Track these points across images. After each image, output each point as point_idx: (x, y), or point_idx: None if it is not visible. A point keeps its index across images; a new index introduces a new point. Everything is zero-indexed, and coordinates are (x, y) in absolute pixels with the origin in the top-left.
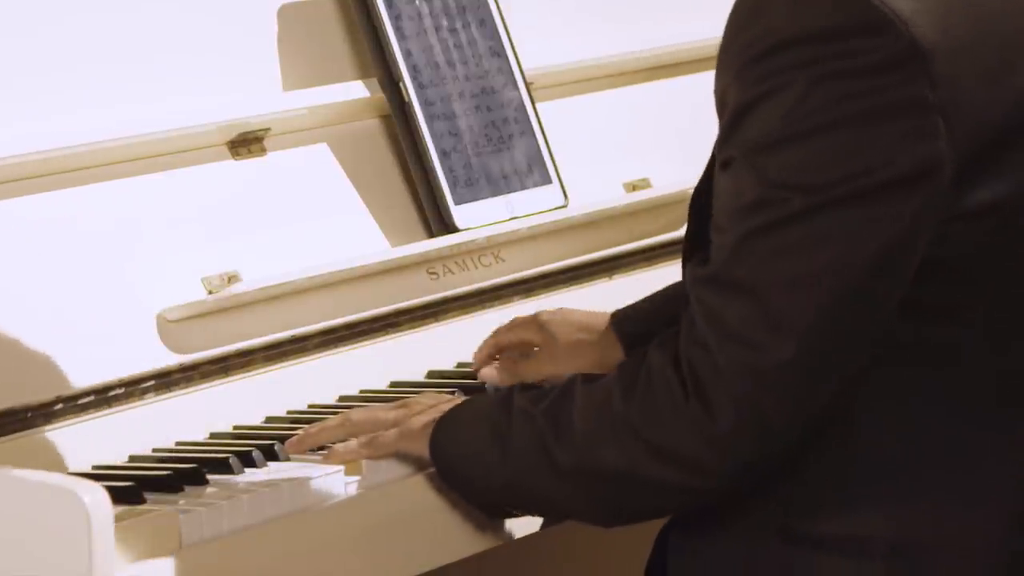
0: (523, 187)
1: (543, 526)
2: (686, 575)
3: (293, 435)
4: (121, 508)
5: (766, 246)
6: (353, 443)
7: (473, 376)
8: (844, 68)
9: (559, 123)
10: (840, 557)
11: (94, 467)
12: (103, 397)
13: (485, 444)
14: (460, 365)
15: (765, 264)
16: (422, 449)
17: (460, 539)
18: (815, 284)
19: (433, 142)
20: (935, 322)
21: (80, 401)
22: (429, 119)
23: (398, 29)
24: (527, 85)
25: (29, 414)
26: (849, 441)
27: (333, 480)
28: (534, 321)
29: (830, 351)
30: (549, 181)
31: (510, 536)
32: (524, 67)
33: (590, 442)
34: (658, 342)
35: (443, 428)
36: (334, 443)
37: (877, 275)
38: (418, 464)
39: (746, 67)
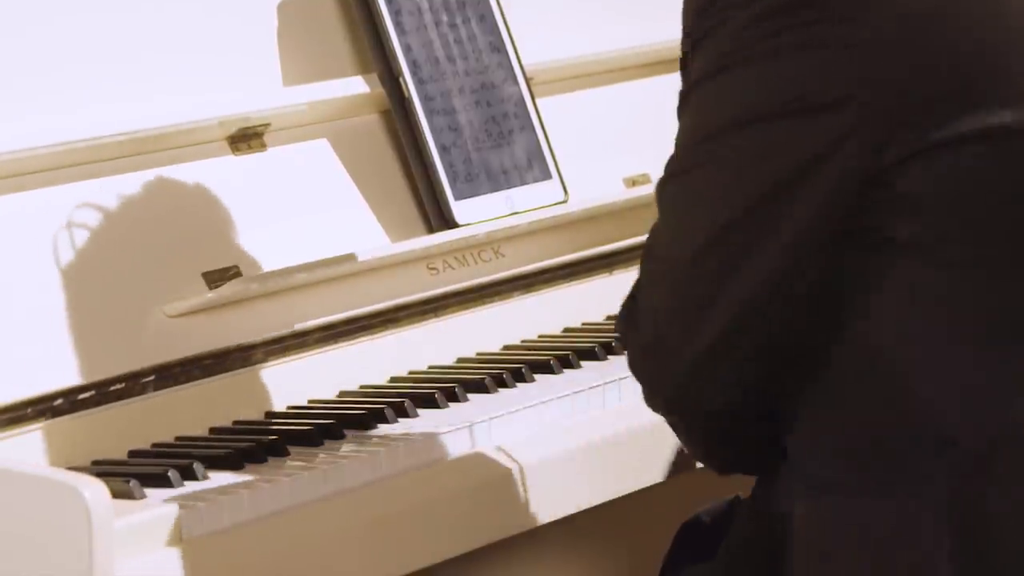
0: (523, 182)
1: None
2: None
3: (292, 431)
4: (121, 502)
5: (670, 170)
6: None
7: (474, 373)
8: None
9: (559, 118)
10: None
11: (94, 462)
12: (103, 392)
13: None
14: (460, 360)
15: (668, 185)
16: None
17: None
18: (705, 208)
19: (433, 137)
20: (915, 258)
21: (80, 396)
22: (429, 114)
23: (398, 24)
24: (527, 80)
25: (29, 409)
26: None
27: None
28: None
29: (712, 285)
30: (549, 176)
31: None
32: (524, 62)
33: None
34: None
35: None
36: None
37: (769, 206)
38: None
39: (696, 14)
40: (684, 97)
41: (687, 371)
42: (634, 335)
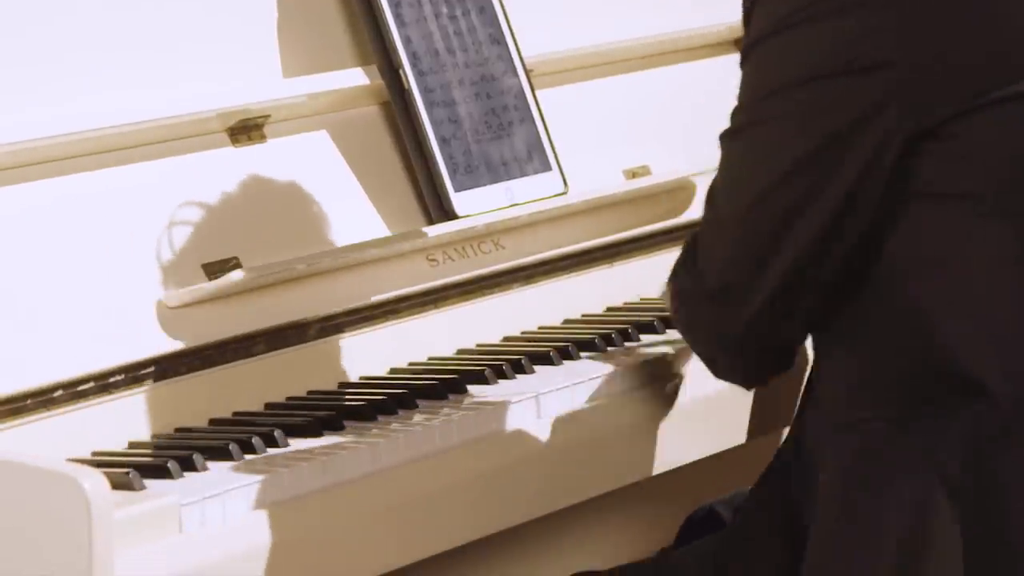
0: (523, 174)
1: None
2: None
3: (291, 423)
4: (121, 493)
5: (731, 130)
6: None
7: (474, 364)
8: None
9: (559, 110)
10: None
11: (93, 453)
12: (103, 383)
13: None
14: (460, 352)
15: (727, 146)
16: None
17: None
18: (758, 167)
19: (433, 129)
20: (959, 209)
21: (80, 388)
22: (429, 106)
23: (398, 16)
24: (527, 72)
25: (29, 401)
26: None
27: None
28: None
29: (773, 237)
30: (549, 168)
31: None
32: (524, 54)
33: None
34: None
35: None
36: None
37: (819, 161)
38: None
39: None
40: (745, 54)
41: (755, 313)
42: (697, 285)
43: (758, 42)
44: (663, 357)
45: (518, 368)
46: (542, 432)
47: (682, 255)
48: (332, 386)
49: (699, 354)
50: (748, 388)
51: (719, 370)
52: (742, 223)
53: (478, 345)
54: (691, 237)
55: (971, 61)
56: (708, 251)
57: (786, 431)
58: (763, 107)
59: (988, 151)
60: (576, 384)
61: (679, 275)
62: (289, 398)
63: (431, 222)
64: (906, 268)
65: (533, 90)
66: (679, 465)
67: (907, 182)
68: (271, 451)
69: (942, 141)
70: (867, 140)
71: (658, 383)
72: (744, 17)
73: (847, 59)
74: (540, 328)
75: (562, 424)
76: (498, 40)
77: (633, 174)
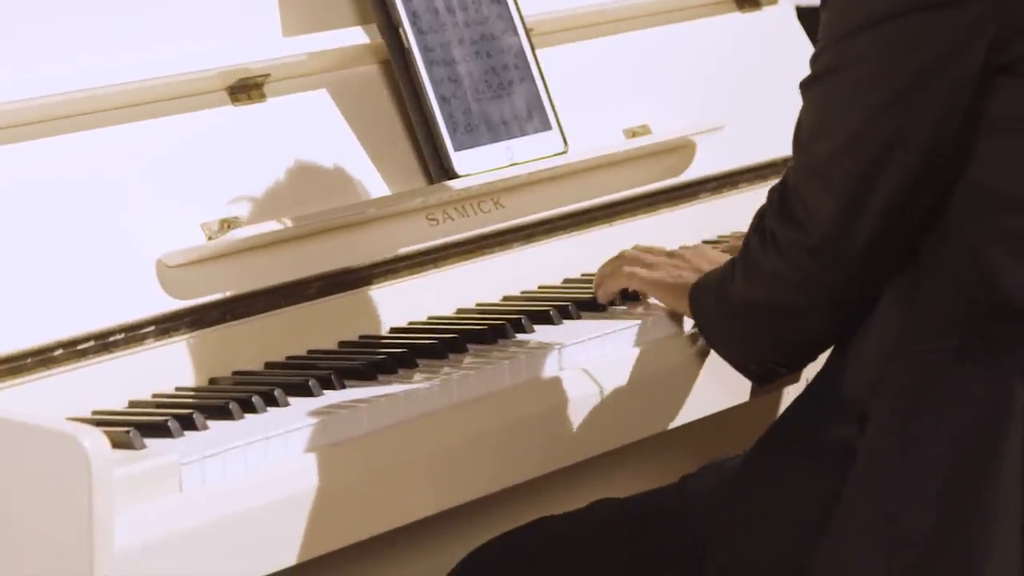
0: (523, 133)
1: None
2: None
3: (290, 382)
4: (121, 452)
5: (817, 68)
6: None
7: (474, 323)
8: None
9: (559, 69)
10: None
11: (94, 412)
12: (103, 343)
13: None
14: (460, 311)
15: (815, 83)
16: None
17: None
18: (853, 98)
19: (433, 88)
20: None
21: (80, 347)
22: (428, 65)
23: None
24: (527, 31)
25: (28, 359)
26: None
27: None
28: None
29: (871, 165)
30: (549, 127)
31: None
32: (524, 13)
33: (743, 284)
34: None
35: (694, 295)
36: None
37: (911, 94)
38: None
39: None
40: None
41: (859, 259)
42: (801, 236)
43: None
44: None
45: (518, 328)
46: (543, 390)
47: (775, 203)
48: (332, 345)
49: (782, 305)
50: (819, 351)
51: (801, 324)
52: (837, 165)
53: (478, 304)
54: (780, 185)
55: None
56: (805, 199)
57: (790, 389)
58: (848, 47)
59: None
60: (596, 338)
61: (778, 225)
62: (289, 357)
63: (431, 181)
64: (973, 204)
65: (533, 49)
66: (689, 421)
67: (980, 118)
68: (271, 410)
69: (1016, 76)
70: (957, 72)
71: (663, 340)
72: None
73: None
74: (540, 287)
75: (575, 378)
76: None
77: (633, 133)
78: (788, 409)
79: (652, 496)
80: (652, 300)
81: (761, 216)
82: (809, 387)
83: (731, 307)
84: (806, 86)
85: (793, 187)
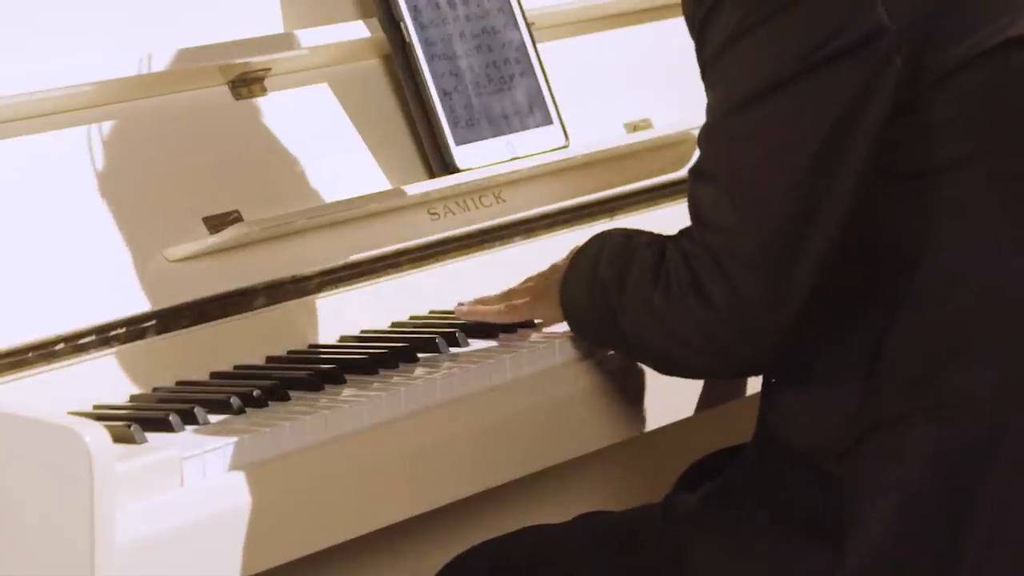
0: (524, 127)
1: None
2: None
3: (292, 376)
4: (123, 447)
5: (728, 135)
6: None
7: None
8: None
9: (560, 63)
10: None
11: (95, 407)
12: (104, 336)
13: (585, 299)
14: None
15: (727, 151)
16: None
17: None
18: (774, 163)
19: (434, 82)
20: (941, 182)
21: (81, 340)
22: (430, 59)
23: None
24: (528, 25)
25: (30, 353)
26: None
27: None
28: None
29: (801, 227)
30: (550, 121)
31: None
32: (525, 7)
33: (636, 325)
34: (676, 234)
35: (564, 286)
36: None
37: (835, 147)
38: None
39: None
40: (713, 62)
41: (784, 336)
42: (713, 316)
43: (726, 47)
44: None
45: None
46: (543, 385)
47: (680, 263)
48: (333, 339)
49: (682, 361)
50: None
51: (698, 375)
52: (761, 245)
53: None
54: (686, 245)
55: (951, 14)
56: (729, 273)
57: None
58: (752, 115)
59: (979, 109)
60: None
61: (689, 292)
62: (290, 351)
63: (432, 175)
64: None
65: (534, 43)
66: (679, 418)
67: (901, 156)
68: (272, 404)
69: (932, 105)
70: (871, 115)
71: None
72: (698, 28)
73: (837, 36)
74: None
75: (566, 376)
76: None
77: (634, 127)
78: (747, 460)
79: (638, 512)
80: None
81: (662, 252)
82: (758, 436)
83: (620, 338)
84: (694, 173)
85: (706, 263)
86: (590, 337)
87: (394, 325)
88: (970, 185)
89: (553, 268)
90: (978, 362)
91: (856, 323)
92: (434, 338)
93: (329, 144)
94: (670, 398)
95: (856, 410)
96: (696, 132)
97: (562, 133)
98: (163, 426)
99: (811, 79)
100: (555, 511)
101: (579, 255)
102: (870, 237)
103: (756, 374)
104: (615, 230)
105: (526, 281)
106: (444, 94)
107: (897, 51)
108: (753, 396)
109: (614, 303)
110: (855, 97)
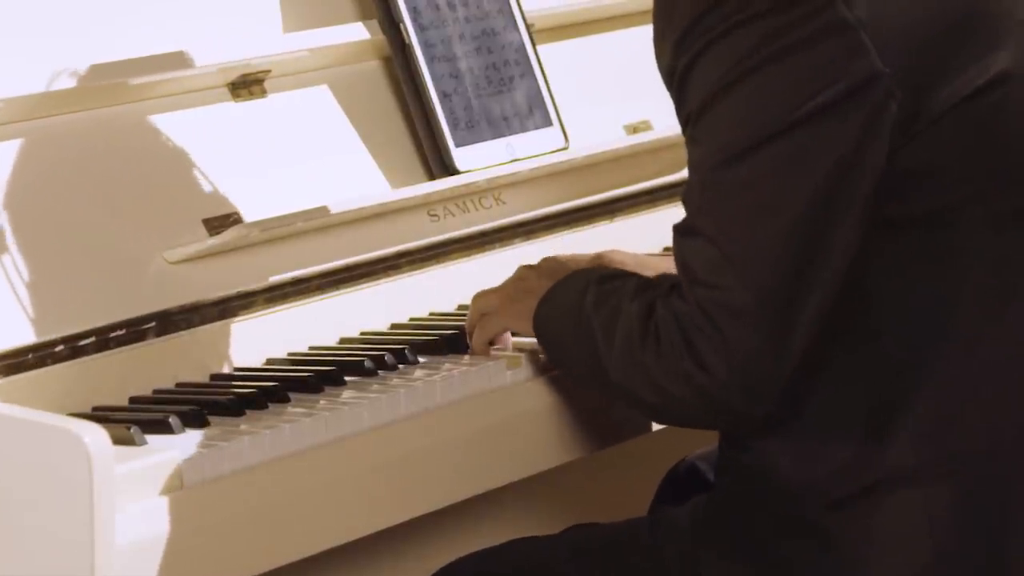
0: (524, 129)
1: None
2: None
3: (292, 377)
4: (122, 448)
5: (719, 190)
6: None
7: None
8: (760, 11)
9: (560, 65)
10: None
11: (95, 408)
12: (104, 338)
13: (570, 339)
14: (461, 307)
15: (718, 206)
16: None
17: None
18: (768, 217)
19: (434, 84)
20: (935, 229)
21: (81, 342)
22: (429, 61)
23: None
24: (528, 27)
25: (30, 355)
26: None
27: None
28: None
29: (798, 281)
30: (550, 123)
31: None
32: (524, 9)
33: (628, 376)
34: (665, 291)
35: (541, 313)
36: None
37: (830, 198)
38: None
39: (678, 41)
40: (697, 118)
41: (777, 394)
42: (707, 379)
43: (714, 99)
44: None
45: None
46: (543, 389)
47: (671, 323)
48: (333, 341)
49: (670, 412)
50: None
51: (686, 423)
52: (760, 302)
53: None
54: (676, 302)
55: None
56: (724, 333)
57: None
58: (746, 163)
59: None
60: None
61: (681, 353)
62: (290, 354)
63: (432, 177)
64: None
65: (534, 45)
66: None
67: (891, 204)
68: (272, 406)
69: (917, 153)
70: (871, 159)
71: None
72: (678, 81)
73: (831, 84)
74: None
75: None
76: None
77: (634, 129)
78: (721, 500)
79: (626, 525)
80: None
81: (650, 308)
82: (728, 460)
83: (601, 378)
84: (681, 230)
85: (698, 321)
86: (566, 370)
87: (394, 327)
88: (969, 229)
89: (519, 277)
90: (994, 413)
91: (852, 371)
92: (434, 340)
93: (329, 146)
94: None
95: (852, 459)
96: None
97: (562, 135)
98: (163, 428)
99: (806, 129)
100: (547, 520)
101: (558, 287)
102: (865, 286)
103: (757, 426)
104: (595, 268)
105: (487, 292)
106: (444, 96)
107: (892, 96)
108: None
109: (602, 351)
110: (851, 145)
